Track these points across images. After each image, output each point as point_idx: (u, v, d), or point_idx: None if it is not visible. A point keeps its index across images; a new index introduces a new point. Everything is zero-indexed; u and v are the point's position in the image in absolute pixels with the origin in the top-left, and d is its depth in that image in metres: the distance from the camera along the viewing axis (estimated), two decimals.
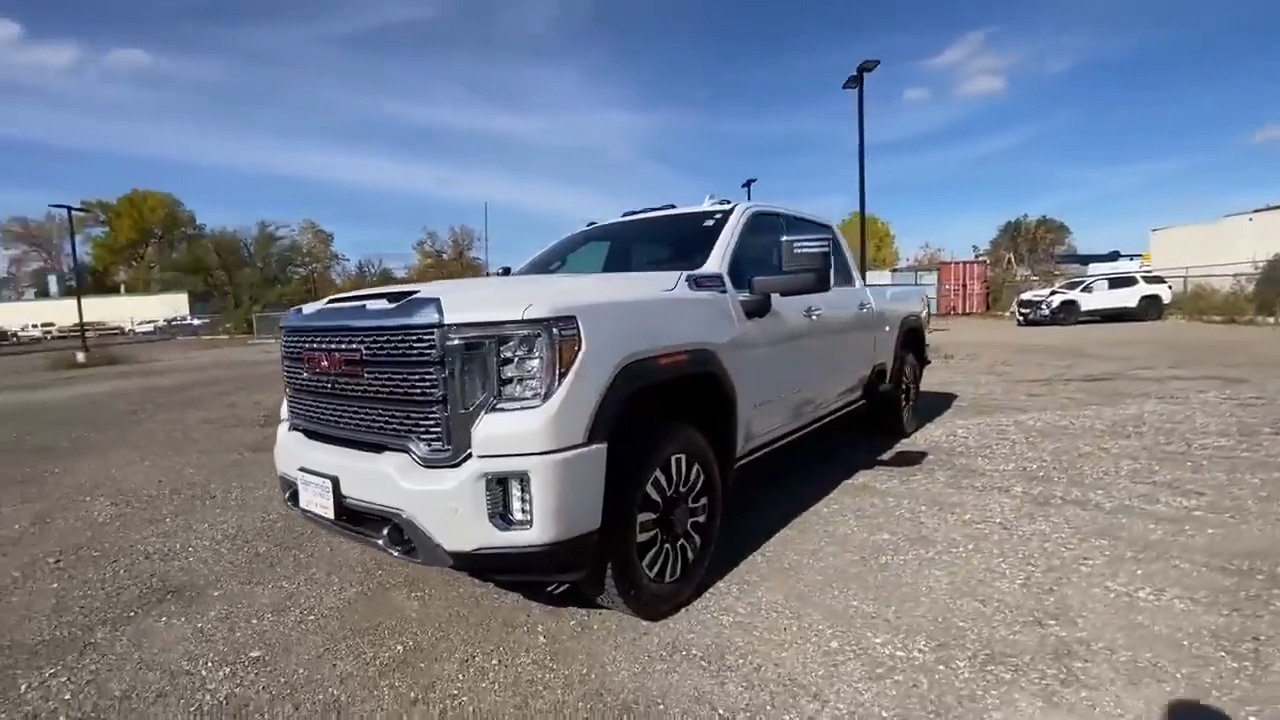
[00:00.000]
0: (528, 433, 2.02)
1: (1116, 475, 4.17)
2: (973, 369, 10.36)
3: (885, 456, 4.89)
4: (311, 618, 2.67)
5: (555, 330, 2.07)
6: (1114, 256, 39.70)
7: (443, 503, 2.06)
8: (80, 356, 20.11)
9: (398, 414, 2.20)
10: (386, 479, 2.16)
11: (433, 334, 2.08)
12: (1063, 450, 4.87)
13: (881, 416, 5.47)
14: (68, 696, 2.16)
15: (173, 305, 52.62)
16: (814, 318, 3.73)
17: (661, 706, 1.99)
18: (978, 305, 30.26)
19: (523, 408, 2.05)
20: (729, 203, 3.72)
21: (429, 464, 2.12)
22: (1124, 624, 2.34)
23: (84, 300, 28.19)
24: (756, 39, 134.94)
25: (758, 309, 3.09)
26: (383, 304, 2.27)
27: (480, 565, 2.15)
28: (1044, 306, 20.84)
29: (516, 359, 2.06)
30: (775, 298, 3.26)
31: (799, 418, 3.73)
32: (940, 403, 7.18)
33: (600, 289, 2.50)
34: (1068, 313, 20.57)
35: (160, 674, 2.28)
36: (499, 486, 2.04)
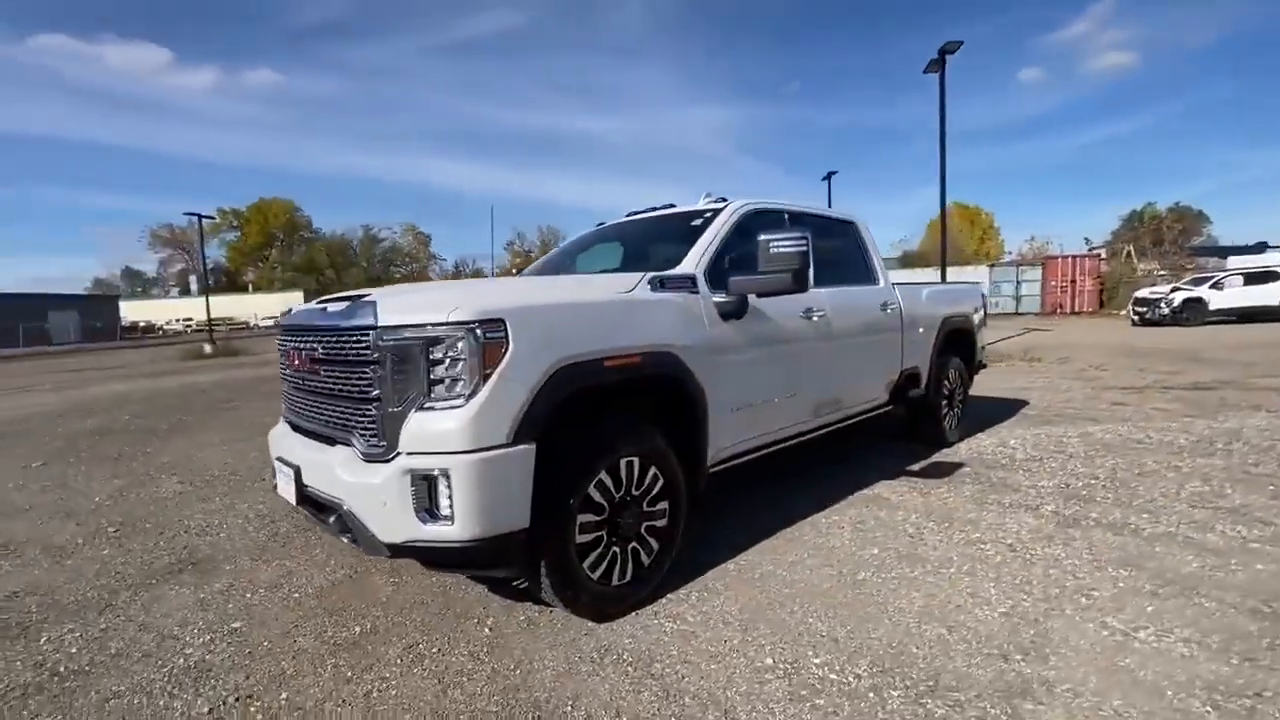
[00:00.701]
0: (449, 431, 2.08)
1: (1174, 498, 3.71)
2: (1059, 373, 9.49)
3: (915, 466, 4.59)
4: (297, 595, 2.88)
5: (479, 332, 2.12)
6: (1261, 248, 34.93)
7: (375, 496, 2.16)
8: (207, 348, 22.55)
9: (344, 410, 2.34)
10: (333, 470, 2.30)
11: (368, 335, 2.19)
12: (1124, 467, 4.38)
13: (918, 424, 5.15)
14: (74, 650, 2.46)
15: (290, 302, 57.80)
16: (815, 319, 3.57)
17: (569, 708, 1.99)
18: (1089, 303, 27.59)
19: (448, 407, 2.11)
20: (724, 201, 3.62)
21: (368, 458, 2.23)
22: (1104, 666, 2.09)
23: (217, 298, 31.60)
24: (853, 24, 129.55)
25: (734, 311, 3.00)
26: (340, 306, 2.42)
27: (412, 556, 2.24)
28: (1163, 305, 18.67)
29: (445, 360, 2.13)
30: (766, 299, 3.16)
31: (798, 423, 3.58)
32: (1004, 410, 6.64)
33: (545, 292, 2.53)
34: (1192, 312, 18.32)
35: (153, 636, 2.55)
36: (424, 482, 2.12)
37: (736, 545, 3.21)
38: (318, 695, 2.11)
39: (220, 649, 2.43)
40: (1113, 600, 2.53)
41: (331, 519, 2.33)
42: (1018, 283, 28.63)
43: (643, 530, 2.64)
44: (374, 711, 2.02)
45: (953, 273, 29.89)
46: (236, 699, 2.11)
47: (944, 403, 5.13)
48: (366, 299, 2.31)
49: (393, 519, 2.15)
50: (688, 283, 2.92)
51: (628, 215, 4.23)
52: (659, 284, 2.79)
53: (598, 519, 2.46)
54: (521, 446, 2.17)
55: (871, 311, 4.17)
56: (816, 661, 2.18)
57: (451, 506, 2.10)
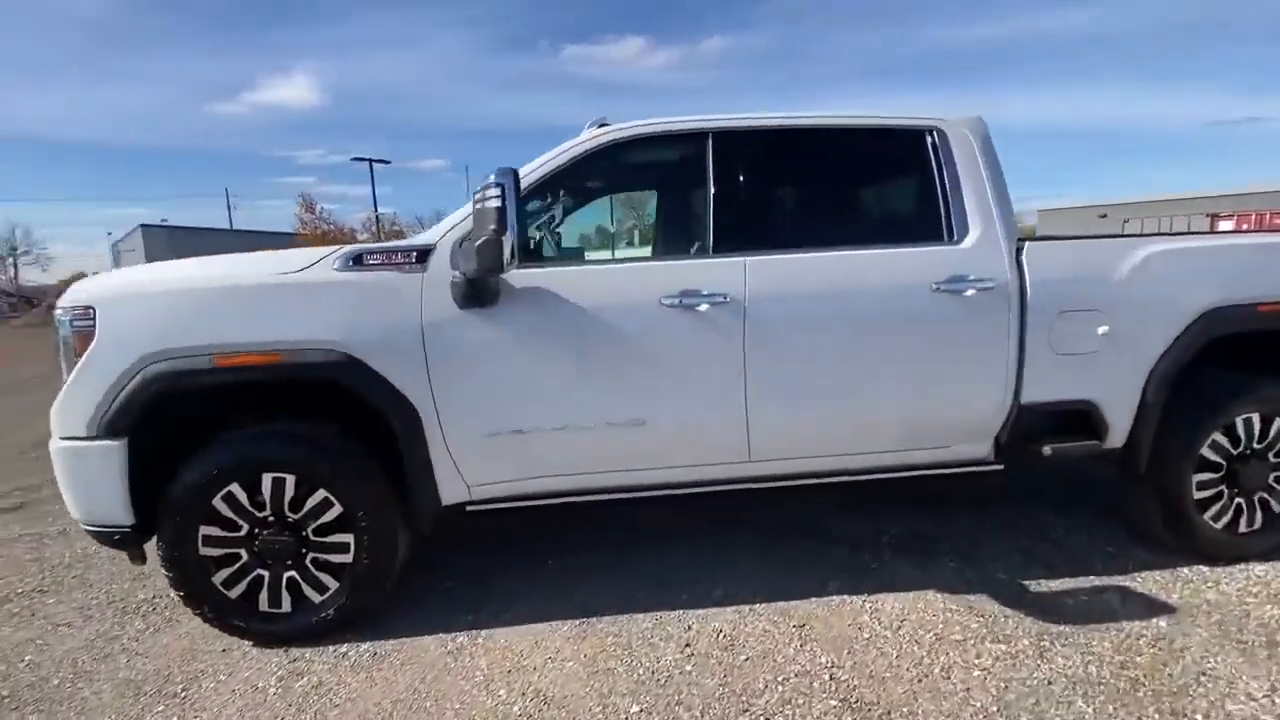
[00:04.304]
0: (51, 416, 2.13)
1: None
2: None
3: (1045, 583, 2.48)
4: None
5: (69, 320, 2.08)
6: None
7: None
8: None
9: None
10: None
11: None
12: None
13: (1130, 506, 2.74)
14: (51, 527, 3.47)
15: None
16: (708, 308, 2.20)
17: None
18: None
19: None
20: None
21: None
22: None
23: None
24: None
25: (475, 296, 2.10)
26: None
27: None
28: None
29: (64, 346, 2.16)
30: (571, 277, 2.17)
31: (665, 466, 2.35)
32: None
33: (170, 275, 2.18)
34: None
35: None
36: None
37: (472, 622, 2.35)
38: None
39: (69, 570, 2.95)
40: None
41: None
42: None
43: (307, 561, 2.21)
44: None
45: None
46: None
47: (1207, 479, 2.54)
48: None
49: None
50: (409, 258, 2.17)
51: None
52: (352, 260, 2.16)
53: (227, 534, 2.17)
54: (103, 443, 2.05)
55: (900, 294, 2.30)
56: None
57: None
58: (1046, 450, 2.44)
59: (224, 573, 2.20)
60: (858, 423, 2.39)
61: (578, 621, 2.32)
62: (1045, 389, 2.43)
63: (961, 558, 2.68)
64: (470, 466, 2.24)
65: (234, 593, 2.21)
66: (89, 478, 2.10)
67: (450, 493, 2.27)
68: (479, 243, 1.86)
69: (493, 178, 1.86)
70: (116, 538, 2.16)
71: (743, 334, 2.23)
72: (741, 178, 2.34)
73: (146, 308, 2.09)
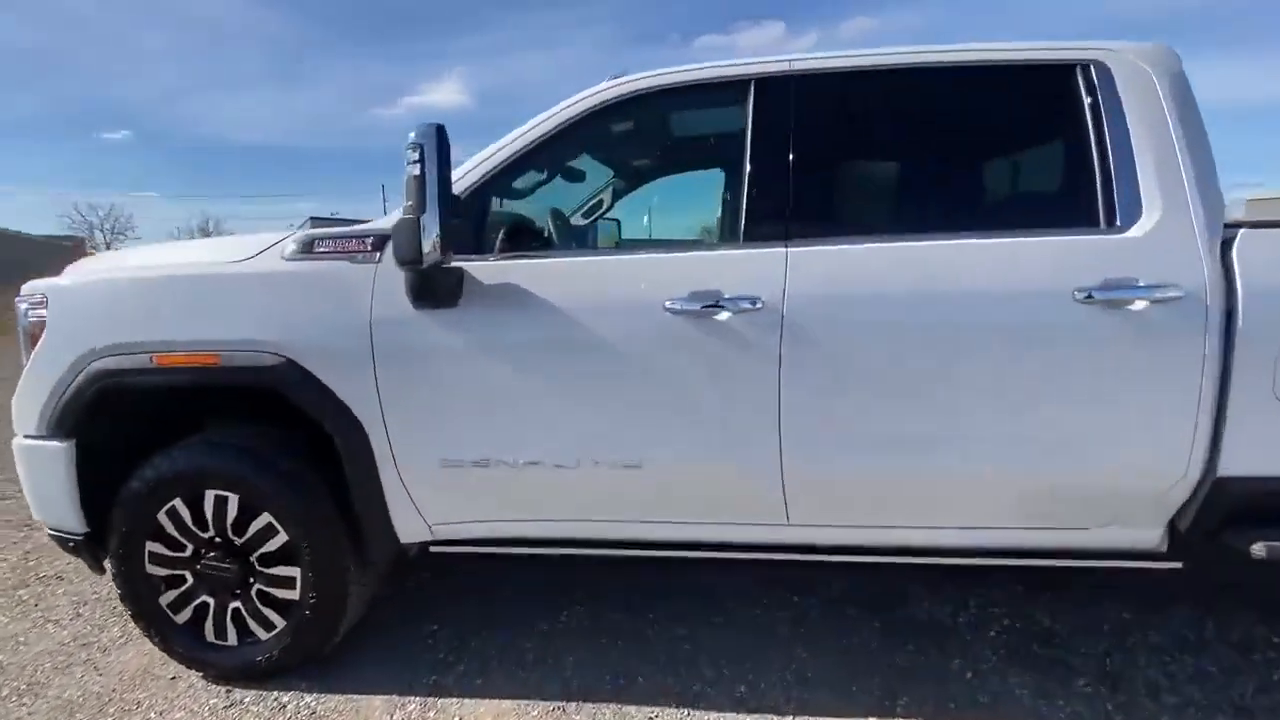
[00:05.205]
0: (11, 410, 2.00)
1: None
2: None
3: None
4: None
5: (25, 310, 1.94)
6: None
7: None
8: None
9: None
10: None
11: None
12: None
13: None
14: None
15: None
16: (732, 315, 1.63)
17: None
18: None
19: None
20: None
21: None
22: None
23: None
24: None
25: (427, 292, 1.67)
26: None
27: None
28: None
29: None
30: (556, 269, 1.71)
31: (671, 524, 1.81)
32: None
33: (128, 261, 1.97)
34: None
35: None
36: None
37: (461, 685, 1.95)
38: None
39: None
40: None
41: None
42: None
43: (253, 592, 1.93)
44: None
45: None
46: None
47: None
48: None
49: None
50: (363, 245, 1.79)
51: None
52: (303, 248, 1.82)
53: (172, 554, 1.93)
54: (53, 443, 1.89)
55: (1022, 303, 1.57)
56: None
57: None
58: (1258, 550, 1.59)
59: (171, 594, 1.98)
60: (946, 486, 1.69)
61: (554, 705, 1.84)
62: (1261, 456, 1.59)
63: (1103, 680, 1.88)
64: (427, 500, 1.84)
65: (180, 617, 1.98)
66: (44, 479, 1.94)
67: (408, 529, 1.88)
68: (394, 224, 1.44)
69: (412, 135, 1.41)
70: (71, 544, 1.99)
71: (778, 353, 1.62)
72: (791, 141, 1.72)
73: (92, 298, 1.90)
